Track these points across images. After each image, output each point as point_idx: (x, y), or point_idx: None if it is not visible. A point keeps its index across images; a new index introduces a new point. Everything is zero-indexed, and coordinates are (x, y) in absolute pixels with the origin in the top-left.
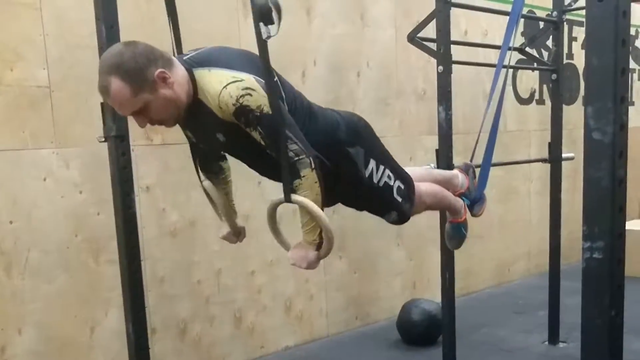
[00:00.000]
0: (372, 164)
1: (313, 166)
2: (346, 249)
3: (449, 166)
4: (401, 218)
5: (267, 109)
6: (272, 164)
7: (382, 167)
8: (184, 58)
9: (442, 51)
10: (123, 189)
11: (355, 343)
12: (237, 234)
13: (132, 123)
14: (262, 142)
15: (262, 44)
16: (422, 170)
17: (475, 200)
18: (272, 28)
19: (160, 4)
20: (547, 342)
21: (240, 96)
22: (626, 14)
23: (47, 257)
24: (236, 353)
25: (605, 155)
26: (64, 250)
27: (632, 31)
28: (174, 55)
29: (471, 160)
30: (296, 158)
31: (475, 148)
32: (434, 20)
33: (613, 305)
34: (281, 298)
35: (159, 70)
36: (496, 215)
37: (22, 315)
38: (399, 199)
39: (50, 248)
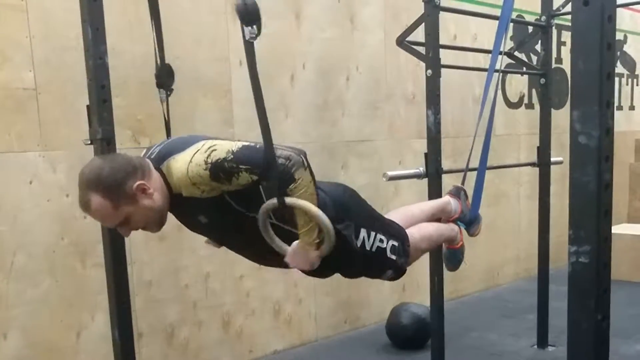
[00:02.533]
0: (362, 233)
1: (306, 164)
2: None
3: (439, 194)
4: (397, 273)
5: (236, 147)
6: (259, 244)
7: (372, 233)
8: (151, 158)
9: (431, 55)
10: None
11: (345, 347)
12: None
13: (118, 125)
14: (251, 179)
15: (248, 45)
16: (414, 209)
17: (470, 222)
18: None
19: (147, 7)
20: (536, 346)
21: (207, 157)
22: (612, 18)
23: (32, 260)
24: (224, 357)
25: (591, 160)
26: (50, 254)
27: (621, 36)
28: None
29: (462, 184)
30: (287, 162)
31: (466, 168)
32: (423, 24)
33: (599, 309)
34: (270, 302)
35: (138, 182)
36: (485, 219)
37: (7, 320)
38: (394, 257)
39: (36, 252)
